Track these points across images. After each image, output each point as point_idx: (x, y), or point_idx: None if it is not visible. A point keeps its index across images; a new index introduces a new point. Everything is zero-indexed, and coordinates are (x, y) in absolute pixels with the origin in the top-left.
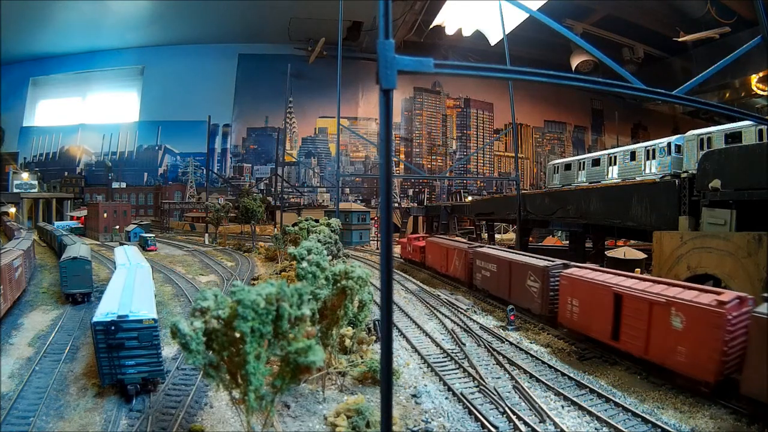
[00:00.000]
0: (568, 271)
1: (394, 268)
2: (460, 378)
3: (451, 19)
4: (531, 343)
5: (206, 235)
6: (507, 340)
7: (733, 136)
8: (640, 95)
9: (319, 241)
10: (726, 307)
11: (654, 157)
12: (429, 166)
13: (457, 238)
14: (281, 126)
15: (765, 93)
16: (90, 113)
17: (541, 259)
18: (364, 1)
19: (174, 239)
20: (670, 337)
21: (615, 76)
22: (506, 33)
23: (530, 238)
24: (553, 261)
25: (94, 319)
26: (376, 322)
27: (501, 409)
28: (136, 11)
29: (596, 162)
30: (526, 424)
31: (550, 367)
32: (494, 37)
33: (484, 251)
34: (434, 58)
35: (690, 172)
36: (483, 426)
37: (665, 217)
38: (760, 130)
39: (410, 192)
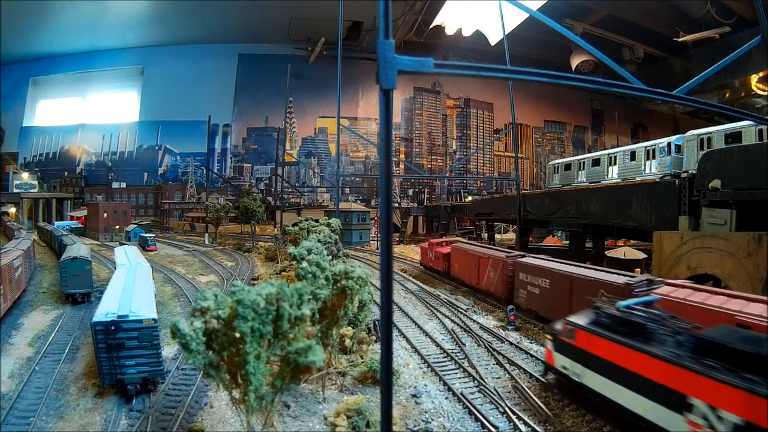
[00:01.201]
0: (663, 290)
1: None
2: (460, 378)
3: (451, 19)
4: (531, 342)
5: (206, 235)
6: (507, 340)
7: (733, 136)
8: (640, 95)
9: (319, 241)
10: None
11: (654, 157)
12: (429, 166)
13: (491, 245)
14: (281, 126)
15: (765, 93)
16: (90, 113)
17: (612, 273)
18: (364, 1)
19: (174, 239)
20: None
21: (615, 76)
22: (506, 33)
23: (530, 238)
24: (633, 276)
25: (94, 319)
26: (376, 322)
27: (501, 409)
28: (136, 11)
29: (596, 162)
30: (526, 424)
31: None
32: (494, 37)
33: (529, 262)
34: (434, 58)
35: (690, 172)
36: (483, 426)
37: (665, 217)
38: (760, 130)
39: (410, 192)
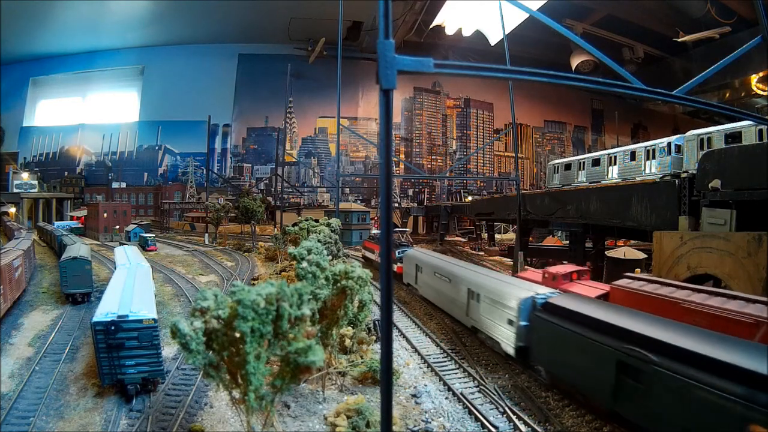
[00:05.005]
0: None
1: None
2: (460, 378)
3: (451, 19)
4: None
5: (206, 235)
6: None
7: (733, 136)
8: (640, 95)
9: (319, 241)
10: None
11: (654, 157)
12: (429, 166)
13: (723, 293)
14: (281, 126)
15: (765, 93)
16: (90, 113)
17: None
18: (364, 1)
19: (174, 239)
20: None
21: (615, 76)
22: (506, 33)
23: (530, 238)
24: None
25: (94, 319)
26: (376, 322)
27: (501, 409)
28: (136, 11)
29: (596, 162)
30: (526, 424)
31: None
32: (494, 37)
33: None
34: (434, 58)
35: (690, 172)
36: (483, 426)
37: (665, 217)
38: (760, 130)
39: (410, 192)
